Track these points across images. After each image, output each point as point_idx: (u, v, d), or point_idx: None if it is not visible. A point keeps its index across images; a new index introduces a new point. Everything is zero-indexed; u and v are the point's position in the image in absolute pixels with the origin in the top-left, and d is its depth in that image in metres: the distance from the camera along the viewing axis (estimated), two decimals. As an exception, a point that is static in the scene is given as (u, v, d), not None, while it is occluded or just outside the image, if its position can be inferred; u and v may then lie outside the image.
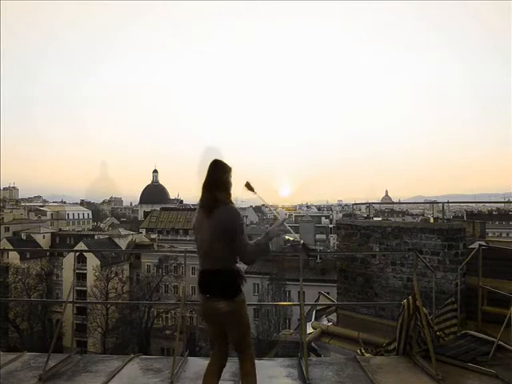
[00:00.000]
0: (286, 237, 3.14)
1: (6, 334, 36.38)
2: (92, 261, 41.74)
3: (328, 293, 11.38)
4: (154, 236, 54.97)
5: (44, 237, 53.15)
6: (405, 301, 4.31)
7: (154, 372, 3.92)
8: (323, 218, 66.29)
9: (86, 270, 41.71)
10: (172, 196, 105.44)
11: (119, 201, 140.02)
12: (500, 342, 4.25)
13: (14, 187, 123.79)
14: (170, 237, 55.91)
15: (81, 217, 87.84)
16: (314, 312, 8.53)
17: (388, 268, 5.99)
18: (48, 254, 44.32)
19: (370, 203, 11.01)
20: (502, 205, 62.92)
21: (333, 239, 49.98)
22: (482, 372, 3.81)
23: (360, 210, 21.11)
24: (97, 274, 40.16)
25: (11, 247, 43.39)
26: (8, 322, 36.02)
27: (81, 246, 41.95)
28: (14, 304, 36.36)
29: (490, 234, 29.84)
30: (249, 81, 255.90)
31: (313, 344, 6.65)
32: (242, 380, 2.83)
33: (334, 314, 7.05)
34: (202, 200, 2.82)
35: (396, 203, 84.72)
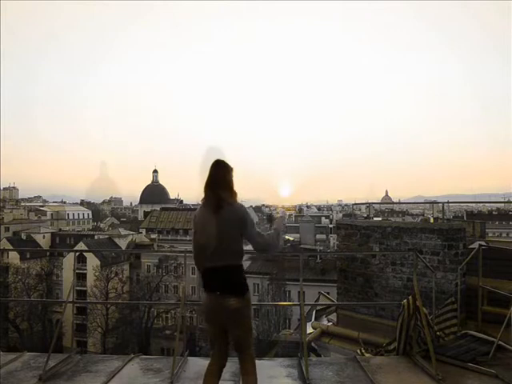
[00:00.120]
0: (286, 237, 3.17)
1: (6, 334, 36.39)
2: (92, 261, 41.76)
3: (328, 293, 11.38)
4: (154, 236, 55.03)
5: (44, 237, 53.14)
6: (405, 301, 4.31)
7: (154, 372, 3.92)
8: (323, 218, 66.25)
9: (86, 269, 41.72)
10: (172, 196, 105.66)
11: (119, 201, 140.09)
12: (500, 342, 4.25)
13: (14, 187, 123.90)
14: (170, 237, 56.00)
15: (81, 217, 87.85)
16: (314, 312, 8.53)
17: (388, 268, 5.99)
18: (48, 253, 44.40)
19: (370, 203, 11.01)
20: (502, 205, 63.04)
21: (333, 239, 49.93)
22: (482, 372, 3.81)
23: (360, 209, 21.12)
24: (97, 273, 40.17)
25: (11, 247, 43.40)
26: (8, 322, 36.01)
27: (81, 246, 41.97)
28: (13, 304, 36.36)
29: (490, 234, 29.86)
30: (249, 81, 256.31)
31: (313, 344, 6.65)
32: (243, 380, 2.83)
33: (334, 313, 7.06)
34: (205, 199, 2.83)
35: (396, 203, 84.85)
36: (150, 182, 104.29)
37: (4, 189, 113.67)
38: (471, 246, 5.97)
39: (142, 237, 54.05)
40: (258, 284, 35.64)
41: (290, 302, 32.99)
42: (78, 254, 36.70)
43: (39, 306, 37.08)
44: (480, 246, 5.44)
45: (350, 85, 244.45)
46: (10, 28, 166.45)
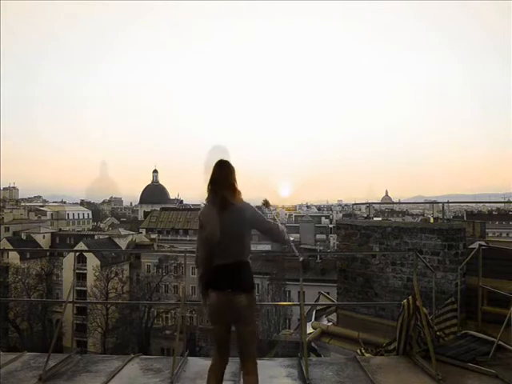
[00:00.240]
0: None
1: (6, 334, 36.41)
2: (92, 261, 41.77)
3: (328, 293, 11.39)
4: (154, 236, 55.05)
5: (44, 237, 53.16)
6: (405, 301, 4.31)
7: (154, 372, 3.92)
8: (323, 218, 66.27)
9: (86, 270, 41.74)
10: (172, 196, 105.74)
11: (119, 201, 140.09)
12: (500, 342, 4.25)
13: (14, 187, 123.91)
14: (169, 237, 55.98)
15: (81, 217, 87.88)
16: (314, 312, 8.53)
17: (388, 268, 5.99)
18: (48, 253, 44.44)
19: (370, 203, 11.00)
20: (502, 205, 62.99)
21: (333, 239, 49.94)
22: (482, 372, 3.81)
23: (360, 209, 21.10)
24: (97, 273, 40.18)
25: (11, 247, 43.44)
26: (8, 322, 36.03)
27: (81, 245, 41.98)
28: (13, 304, 36.39)
29: (490, 234, 29.86)
30: (249, 81, 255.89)
31: (313, 344, 6.65)
32: (244, 380, 2.83)
33: (334, 314, 7.06)
34: (210, 198, 2.83)
35: (396, 203, 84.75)
36: (150, 182, 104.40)
37: (4, 189, 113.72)
38: (471, 246, 5.97)
39: (142, 237, 54.07)
40: (258, 284, 35.65)
41: (290, 301, 33.03)
42: (77, 254, 36.71)
43: (39, 306, 37.10)
44: (480, 245, 5.44)
45: (349, 85, 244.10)
46: (10, 28, 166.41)
